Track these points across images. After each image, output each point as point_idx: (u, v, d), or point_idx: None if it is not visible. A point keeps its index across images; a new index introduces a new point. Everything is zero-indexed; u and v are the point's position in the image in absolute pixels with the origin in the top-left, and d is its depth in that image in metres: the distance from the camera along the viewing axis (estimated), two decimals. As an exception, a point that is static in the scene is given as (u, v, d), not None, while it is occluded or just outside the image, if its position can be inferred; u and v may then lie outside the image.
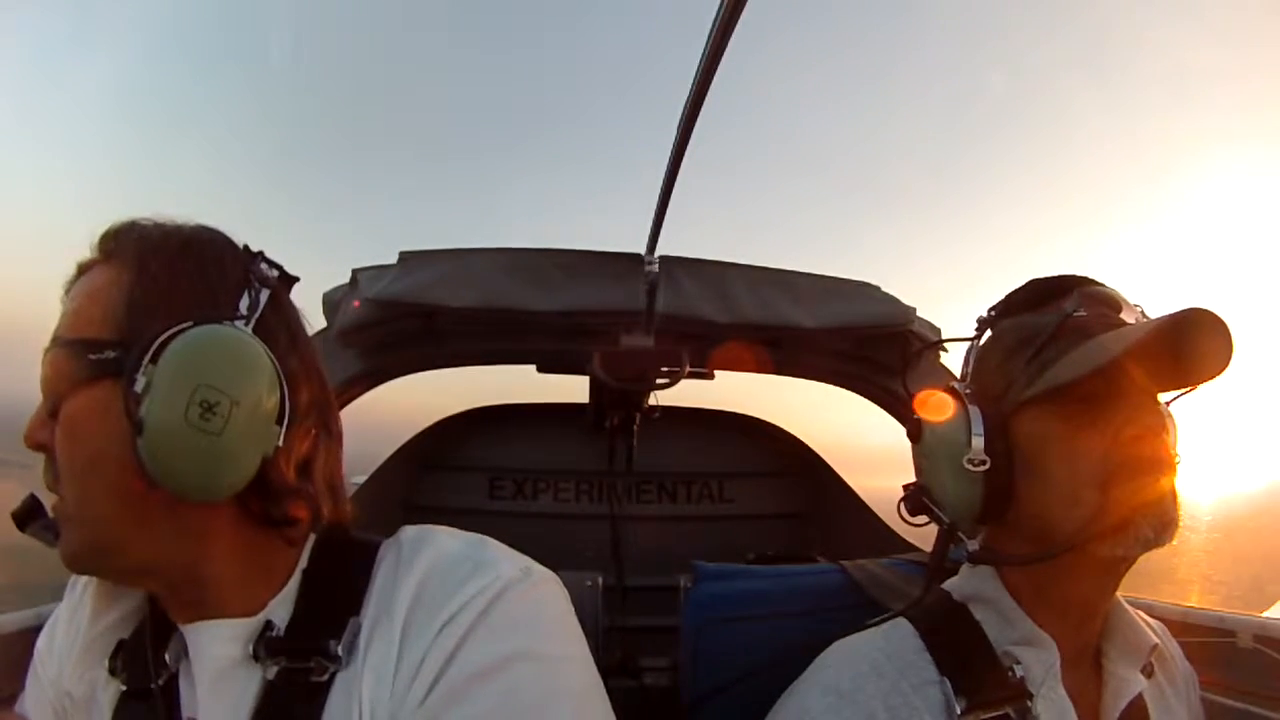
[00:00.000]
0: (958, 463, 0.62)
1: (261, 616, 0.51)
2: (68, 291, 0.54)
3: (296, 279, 0.58)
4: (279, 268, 0.57)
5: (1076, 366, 0.58)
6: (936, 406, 0.66)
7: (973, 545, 0.63)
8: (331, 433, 0.57)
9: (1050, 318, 0.63)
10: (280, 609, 0.52)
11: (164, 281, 0.51)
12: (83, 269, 0.54)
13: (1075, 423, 0.60)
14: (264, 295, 0.54)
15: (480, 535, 0.56)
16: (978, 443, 0.61)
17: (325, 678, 0.49)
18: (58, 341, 0.51)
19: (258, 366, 0.49)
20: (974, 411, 0.62)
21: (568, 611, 0.54)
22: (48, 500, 0.52)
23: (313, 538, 0.56)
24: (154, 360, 0.47)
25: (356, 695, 0.48)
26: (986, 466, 0.61)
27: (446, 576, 0.51)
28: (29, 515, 0.51)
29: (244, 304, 0.52)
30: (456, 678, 0.46)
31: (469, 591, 0.49)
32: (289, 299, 0.58)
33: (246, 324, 0.51)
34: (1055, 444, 0.60)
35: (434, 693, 0.46)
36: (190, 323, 0.48)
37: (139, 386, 0.46)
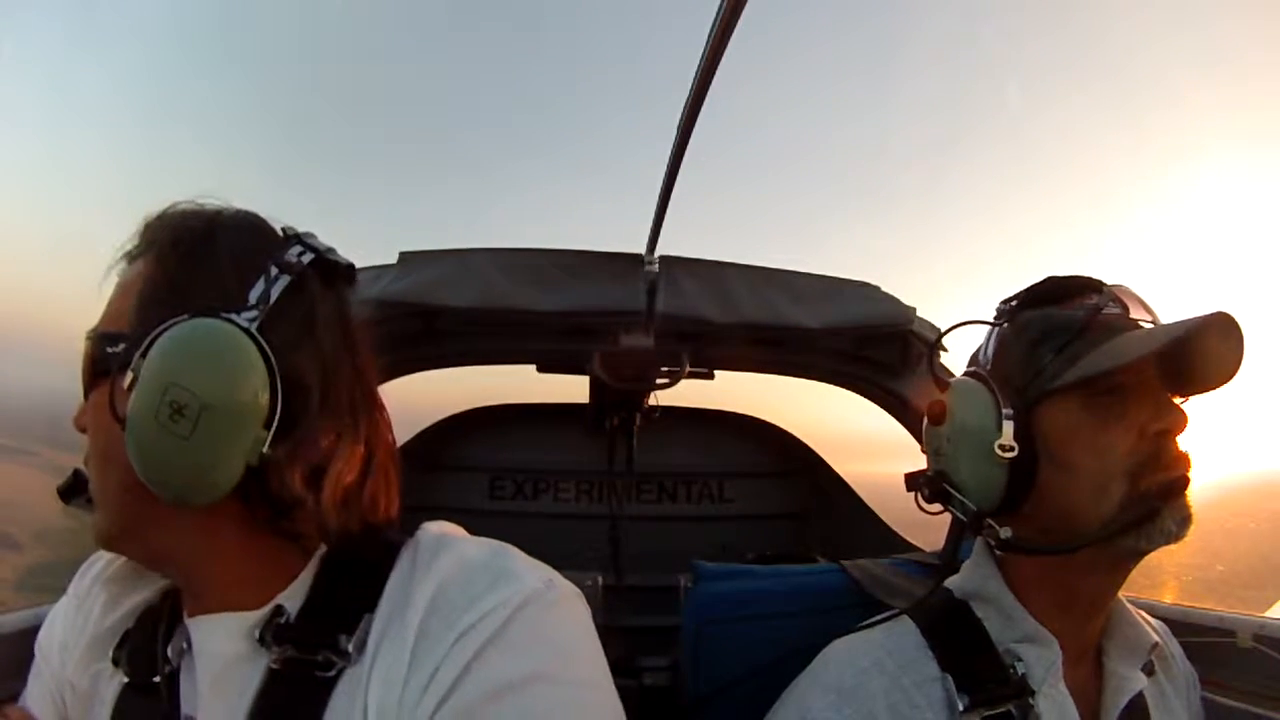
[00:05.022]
0: (985, 449, 0.61)
1: (271, 606, 0.50)
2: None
3: (342, 264, 0.54)
4: (319, 252, 0.52)
5: (1111, 359, 0.58)
6: (963, 391, 0.66)
7: (1005, 533, 0.62)
8: (360, 436, 0.53)
9: (1080, 312, 0.63)
10: (293, 598, 0.51)
11: (177, 273, 0.50)
12: (128, 258, 0.54)
13: (1103, 416, 0.60)
14: (280, 283, 0.49)
15: (502, 543, 0.54)
16: (1008, 428, 0.61)
17: (332, 674, 0.47)
18: (88, 334, 0.52)
19: (239, 365, 0.45)
20: (1004, 398, 0.62)
21: (589, 629, 0.51)
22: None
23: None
24: (145, 355, 0.46)
25: (362, 697, 0.46)
26: (1014, 454, 0.61)
27: (466, 585, 0.48)
28: (72, 490, 0.54)
29: (255, 294, 0.49)
30: (470, 694, 0.44)
31: (488, 603, 0.47)
32: (325, 288, 0.53)
33: (256, 316, 0.48)
34: (1083, 435, 0.60)
35: (445, 707, 0.44)
36: (186, 316, 0.46)
37: (125, 382, 0.45)
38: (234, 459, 0.46)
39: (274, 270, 0.50)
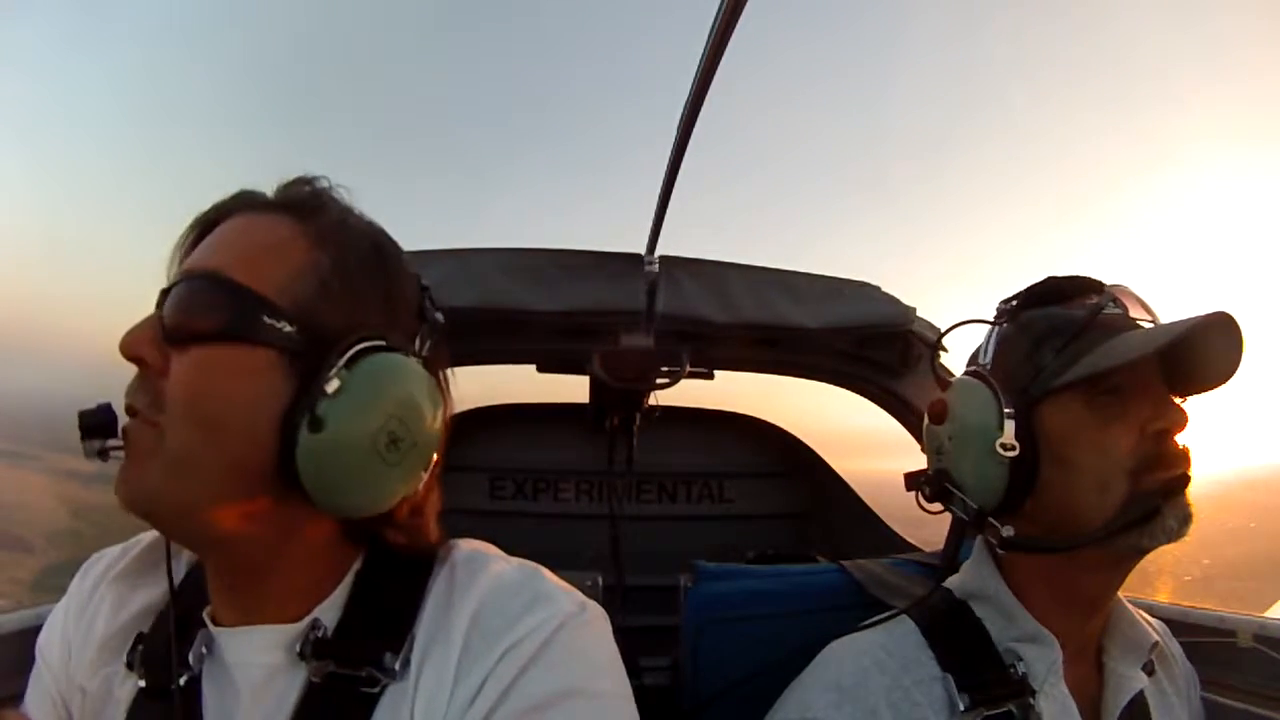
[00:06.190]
0: (987, 448, 0.62)
1: (308, 620, 0.50)
2: (219, 217, 0.52)
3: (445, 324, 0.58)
4: (438, 308, 0.57)
5: (1111, 359, 0.59)
6: (964, 390, 0.66)
7: (1007, 531, 0.62)
8: (440, 466, 0.56)
9: (1082, 311, 0.63)
10: (329, 612, 0.51)
11: (356, 281, 0.50)
12: (251, 203, 0.52)
13: (1104, 415, 0.61)
14: (433, 339, 0.54)
15: (531, 563, 0.56)
16: (1009, 427, 0.61)
17: (376, 690, 0.48)
18: (215, 276, 0.47)
19: (440, 412, 0.51)
20: (1005, 397, 0.62)
21: (614, 646, 0.54)
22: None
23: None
24: (348, 365, 0.46)
25: (407, 712, 0.47)
26: (1016, 453, 0.61)
27: (505, 604, 0.50)
28: (97, 427, 0.48)
29: (421, 343, 0.53)
30: (514, 709, 0.46)
31: (529, 623, 0.49)
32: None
33: (422, 361, 0.52)
34: (1085, 433, 0.61)
35: None
36: (382, 342, 0.49)
37: (330, 386, 0.45)
38: (404, 490, 0.50)
39: (431, 319, 0.55)
